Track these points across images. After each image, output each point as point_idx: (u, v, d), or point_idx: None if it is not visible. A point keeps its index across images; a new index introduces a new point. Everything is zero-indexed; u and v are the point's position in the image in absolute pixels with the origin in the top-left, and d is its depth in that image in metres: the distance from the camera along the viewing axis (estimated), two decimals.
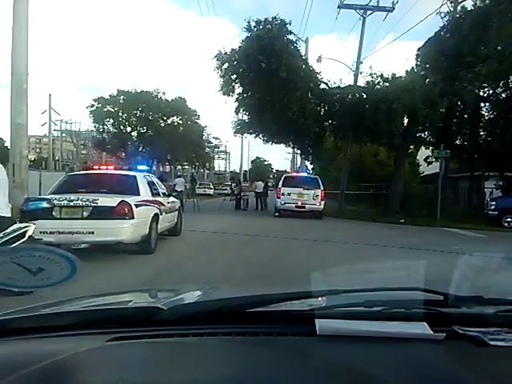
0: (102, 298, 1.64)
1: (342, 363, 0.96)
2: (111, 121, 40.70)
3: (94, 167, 10.25)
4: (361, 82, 21.23)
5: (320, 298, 1.22)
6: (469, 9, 19.86)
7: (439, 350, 1.03)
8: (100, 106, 39.76)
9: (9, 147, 16.99)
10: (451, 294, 1.21)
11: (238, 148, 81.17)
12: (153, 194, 8.73)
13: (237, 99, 20.36)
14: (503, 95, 19.99)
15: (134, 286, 5.28)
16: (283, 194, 18.54)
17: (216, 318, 1.15)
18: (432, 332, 1.05)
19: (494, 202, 17.74)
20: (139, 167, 10.32)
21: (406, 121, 19.82)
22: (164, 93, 42.48)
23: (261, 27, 18.42)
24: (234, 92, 19.81)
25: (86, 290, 1.54)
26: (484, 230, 15.28)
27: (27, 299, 1.38)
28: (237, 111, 21.27)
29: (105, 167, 10.03)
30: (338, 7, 22.80)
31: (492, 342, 1.02)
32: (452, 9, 20.48)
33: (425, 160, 24.02)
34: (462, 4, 20.51)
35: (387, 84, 19.66)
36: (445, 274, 1.62)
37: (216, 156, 76.36)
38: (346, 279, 1.60)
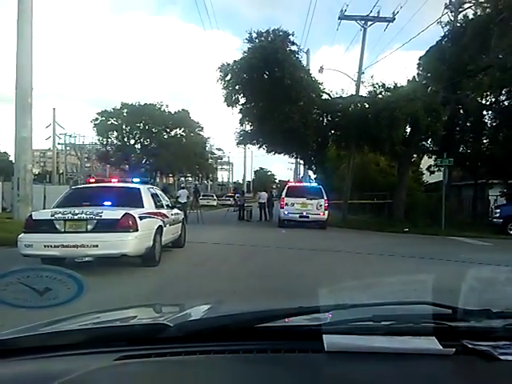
0: (107, 313, 1.64)
1: (351, 380, 0.95)
2: (115, 133, 40.96)
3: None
4: (363, 92, 21.33)
5: (328, 313, 1.21)
6: (469, 18, 19.98)
7: (449, 365, 1.02)
8: (104, 119, 40.05)
9: (13, 161, 17.10)
10: (460, 307, 1.20)
11: (241, 159, 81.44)
12: (156, 206, 8.74)
13: (240, 110, 20.48)
14: (506, 103, 20.01)
15: (139, 299, 5.26)
16: (287, 204, 18.47)
17: (223, 334, 1.14)
18: (441, 347, 1.04)
19: (498, 210, 17.66)
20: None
21: (408, 130, 19.85)
22: (167, 105, 42.96)
23: (262, 38, 18.63)
24: (237, 103, 19.95)
25: (90, 304, 1.53)
26: (489, 238, 15.20)
27: (34, 314, 1.37)
28: (241, 122, 21.39)
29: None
30: (339, 18, 22.93)
31: (502, 357, 1.01)
32: (453, 18, 20.60)
33: (427, 169, 24.00)
34: (462, 13, 20.64)
35: (389, 93, 19.72)
36: (453, 284, 1.61)
37: (219, 167, 76.56)
38: (353, 294, 1.59)
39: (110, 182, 10.11)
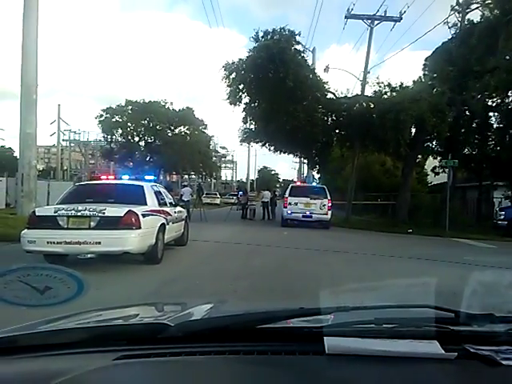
0: (108, 311, 1.63)
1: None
2: (119, 131, 40.96)
3: (102, 177, 10.26)
4: (368, 92, 21.27)
5: (329, 315, 1.20)
6: (476, 20, 19.92)
7: (451, 370, 1.01)
8: (108, 116, 40.09)
9: (18, 157, 17.16)
10: (462, 311, 1.19)
11: (244, 157, 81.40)
12: (160, 204, 8.73)
13: (244, 108, 20.48)
14: None
15: (141, 296, 5.27)
16: (290, 204, 18.46)
17: (224, 335, 1.13)
18: (443, 351, 1.03)
19: (503, 212, 17.60)
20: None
21: (413, 130, 19.78)
22: (172, 103, 42.81)
23: (268, 37, 18.59)
24: (241, 101, 19.94)
25: (91, 301, 1.52)
26: (493, 240, 15.16)
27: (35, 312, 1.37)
28: (244, 120, 21.36)
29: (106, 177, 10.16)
30: (346, 17, 22.85)
31: (504, 362, 1.00)
32: (460, 19, 20.51)
33: (432, 170, 23.94)
34: (469, 14, 20.56)
35: (395, 93, 19.65)
36: (456, 287, 1.60)
37: (223, 165, 76.43)
38: (355, 296, 1.58)
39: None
